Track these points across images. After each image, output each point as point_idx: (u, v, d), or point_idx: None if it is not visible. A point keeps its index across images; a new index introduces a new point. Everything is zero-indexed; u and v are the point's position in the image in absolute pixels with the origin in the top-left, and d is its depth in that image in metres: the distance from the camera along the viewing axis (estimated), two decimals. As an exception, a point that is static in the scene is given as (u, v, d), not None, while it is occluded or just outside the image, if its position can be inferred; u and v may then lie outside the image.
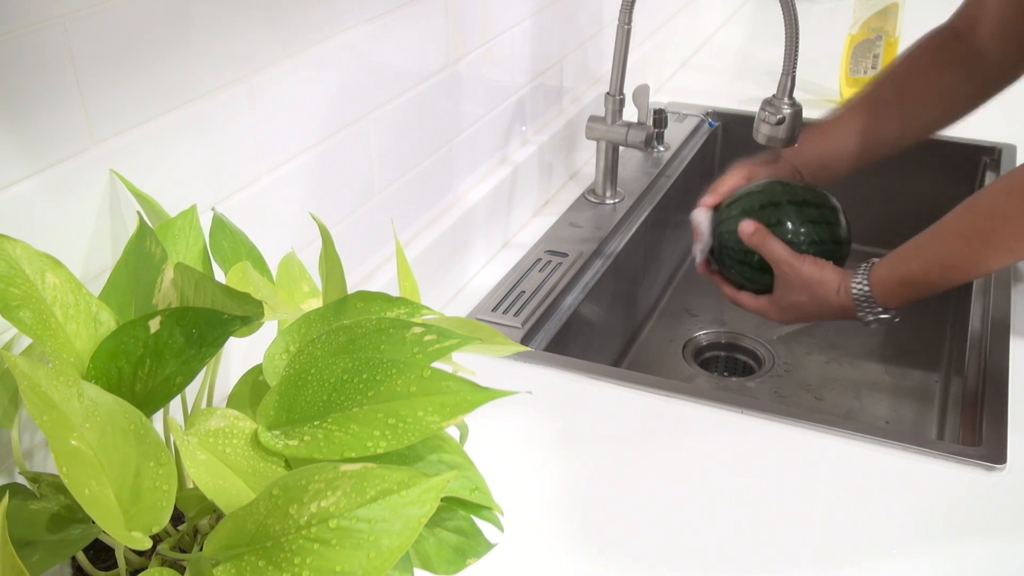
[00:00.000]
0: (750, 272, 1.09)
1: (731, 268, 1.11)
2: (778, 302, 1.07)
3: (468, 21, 1.10)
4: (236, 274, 0.67)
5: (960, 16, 1.11)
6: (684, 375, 1.37)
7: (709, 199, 1.13)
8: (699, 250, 1.14)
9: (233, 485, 0.53)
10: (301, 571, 0.46)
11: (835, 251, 1.07)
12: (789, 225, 1.06)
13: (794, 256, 1.04)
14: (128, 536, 0.49)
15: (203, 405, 0.66)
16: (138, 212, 0.69)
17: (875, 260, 1.01)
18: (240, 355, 0.83)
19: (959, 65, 1.10)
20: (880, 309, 1.00)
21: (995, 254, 0.94)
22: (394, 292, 0.67)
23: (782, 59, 1.13)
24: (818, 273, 1.03)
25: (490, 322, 1.09)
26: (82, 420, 0.50)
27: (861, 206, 1.19)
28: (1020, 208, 0.91)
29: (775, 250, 1.05)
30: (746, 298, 1.11)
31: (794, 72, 1.14)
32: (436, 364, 0.55)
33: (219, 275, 0.70)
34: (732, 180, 1.14)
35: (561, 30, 1.33)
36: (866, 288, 1.00)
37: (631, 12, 1.23)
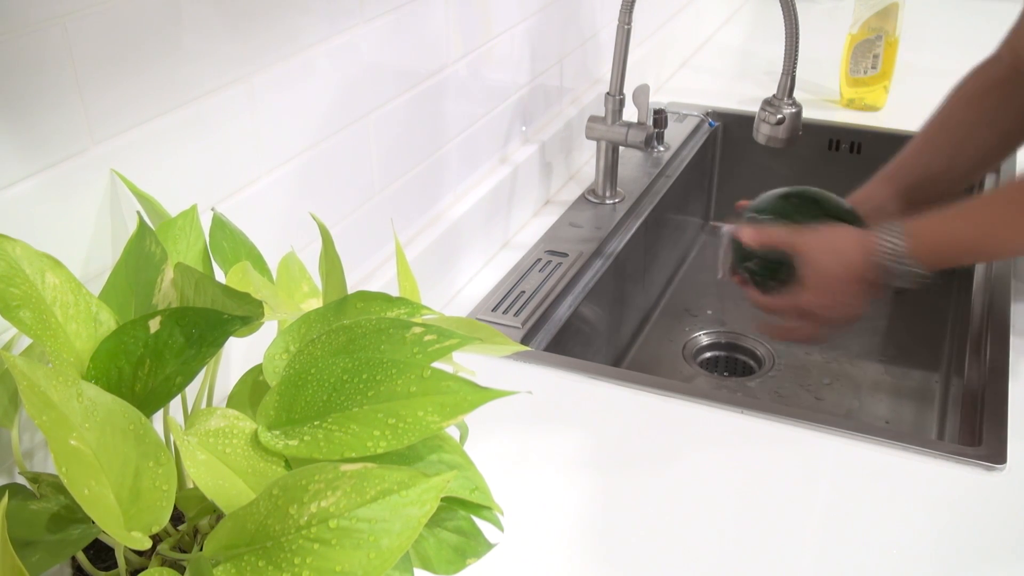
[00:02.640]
0: (768, 270, 1.03)
1: (756, 273, 1.04)
2: (805, 282, 0.98)
3: (468, 21, 1.10)
4: (236, 274, 0.67)
5: (1006, 44, 1.09)
6: (684, 375, 1.37)
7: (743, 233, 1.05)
8: (721, 262, 1.08)
9: (233, 485, 0.53)
10: (301, 571, 0.46)
11: None
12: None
13: (800, 230, 0.98)
14: (128, 536, 0.49)
15: (203, 405, 0.66)
16: (138, 212, 0.69)
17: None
18: (240, 355, 0.83)
19: (1006, 94, 1.07)
20: (911, 262, 0.93)
21: None
22: (394, 292, 0.67)
23: (782, 59, 1.13)
24: (831, 232, 0.97)
25: (490, 322, 1.09)
26: (81, 420, 0.50)
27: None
28: None
29: (779, 235, 0.99)
30: (778, 301, 1.03)
31: (794, 72, 1.14)
32: (436, 364, 0.55)
33: (219, 275, 0.70)
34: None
35: (561, 30, 1.33)
36: (899, 241, 0.93)
37: (631, 12, 1.23)
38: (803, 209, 1.04)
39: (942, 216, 0.95)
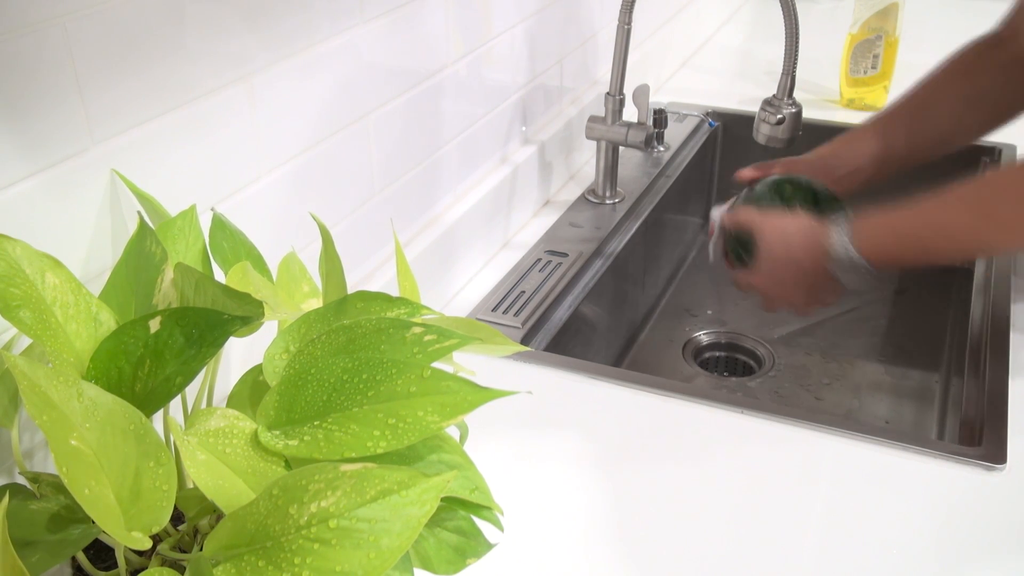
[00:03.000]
0: (739, 247, 1.08)
1: (733, 253, 1.10)
2: (758, 263, 1.03)
3: (468, 21, 1.10)
4: (236, 274, 0.67)
5: (1005, 24, 1.09)
6: (684, 375, 1.37)
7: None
8: (712, 245, 1.12)
9: (233, 485, 0.53)
10: (301, 571, 0.46)
11: None
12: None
13: (766, 213, 1.02)
14: (128, 536, 0.49)
15: (203, 405, 0.66)
16: (138, 212, 0.69)
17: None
18: (240, 355, 0.83)
19: (998, 72, 1.07)
20: (859, 258, 0.94)
21: (996, 230, 0.91)
22: (394, 292, 0.67)
23: (782, 59, 1.13)
24: (791, 218, 1.01)
25: (490, 322, 1.09)
26: (82, 420, 0.50)
27: (859, 206, 1.19)
28: None
29: (747, 215, 1.03)
30: (741, 275, 1.08)
31: (794, 72, 1.14)
32: (436, 364, 0.55)
33: (219, 275, 0.70)
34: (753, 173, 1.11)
35: (561, 30, 1.33)
36: (847, 232, 0.95)
37: (631, 12, 1.23)
38: (783, 192, 1.07)
39: (893, 214, 0.95)
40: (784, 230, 1.01)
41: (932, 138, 1.11)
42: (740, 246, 1.07)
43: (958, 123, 1.11)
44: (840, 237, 0.95)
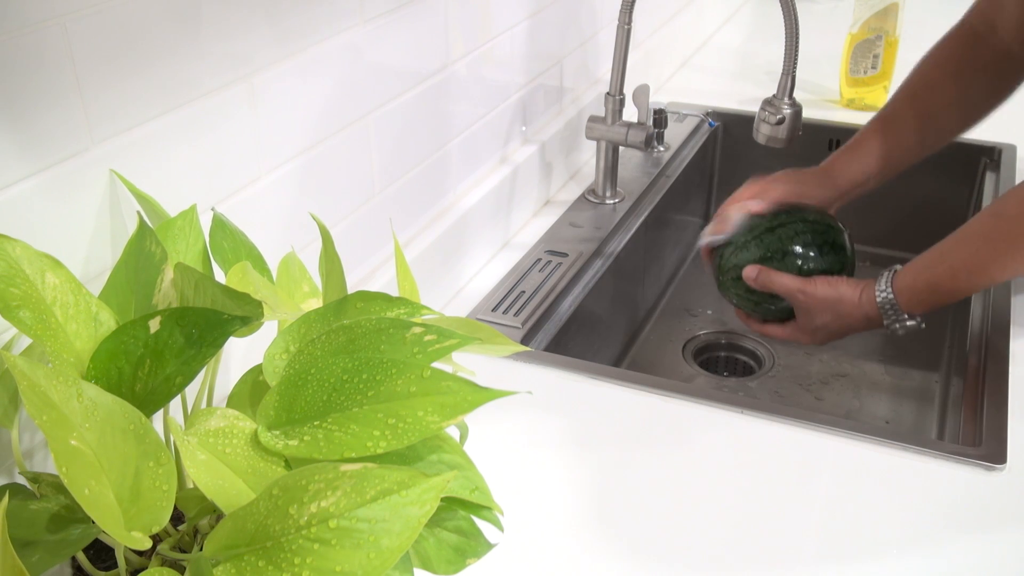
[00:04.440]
0: (770, 307, 1.08)
1: (751, 307, 1.11)
2: (804, 328, 1.07)
3: (468, 21, 1.10)
4: (236, 274, 0.67)
5: (977, 14, 1.10)
6: (684, 375, 1.37)
7: (754, 205, 1.10)
8: (708, 235, 1.12)
9: (233, 485, 0.53)
10: (301, 571, 0.46)
11: (841, 272, 1.07)
12: (799, 252, 1.05)
13: (804, 282, 1.03)
14: (128, 536, 0.49)
15: (203, 405, 0.66)
16: (138, 212, 0.69)
17: (897, 267, 1.00)
18: (240, 355, 0.83)
19: (980, 68, 1.08)
20: (905, 316, 0.99)
21: (1021, 256, 0.93)
22: (394, 292, 0.67)
23: (782, 59, 1.13)
24: (834, 292, 1.03)
25: (490, 322, 1.09)
26: (82, 420, 0.50)
27: (861, 207, 1.19)
28: None
29: (784, 283, 1.04)
30: (774, 329, 1.10)
31: (794, 72, 1.14)
32: (436, 364, 0.55)
33: (219, 275, 0.70)
34: (780, 189, 1.11)
35: (561, 30, 1.33)
36: (891, 296, 0.99)
37: (631, 12, 1.23)
38: (789, 237, 1.06)
39: (922, 262, 0.99)
40: (832, 304, 1.03)
41: (934, 142, 1.12)
42: (768, 302, 1.07)
43: (959, 124, 1.12)
44: (885, 297, 0.99)
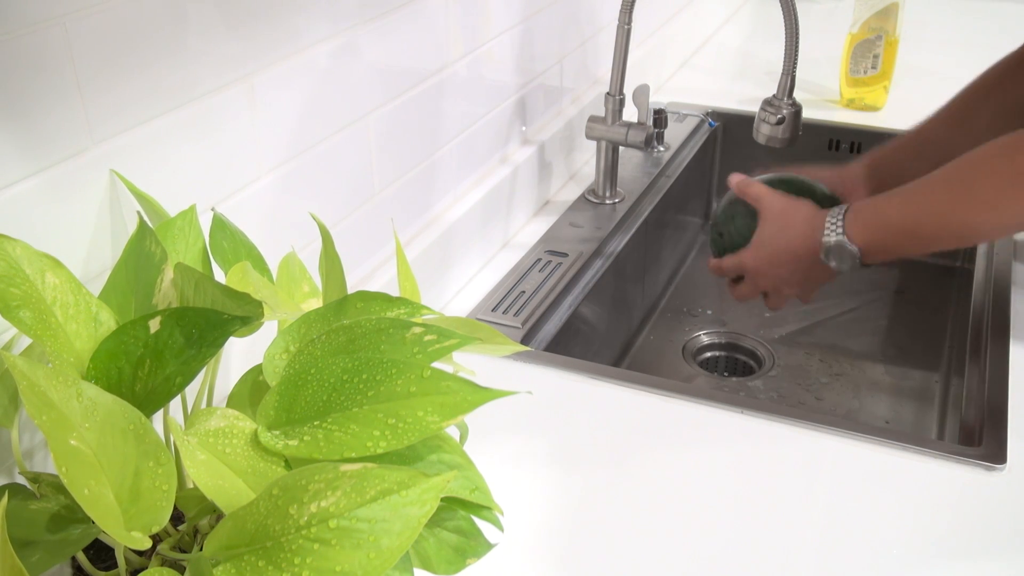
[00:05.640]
0: (738, 222, 1.11)
1: (725, 229, 1.13)
2: (755, 243, 1.07)
3: (468, 21, 1.10)
4: (236, 274, 0.67)
5: None
6: (684, 375, 1.37)
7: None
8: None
9: (233, 485, 0.53)
10: (301, 571, 0.46)
11: None
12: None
13: (774, 192, 1.06)
14: (128, 536, 0.49)
15: (203, 405, 0.66)
16: (138, 212, 0.69)
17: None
18: (240, 355, 0.83)
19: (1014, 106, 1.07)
20: (851, 246, 0.97)
21: (978, 208, 0.91)
22: (394, 292, 0.67)
23: (782, 59, 1.13)
24: (793, 202, 1.05)
25: (490, 322, 1.09)
26: (81, 420, 0.50)
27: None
28: (1008, 165, 0.89)
29: (757, 189, 1.07)
30: (726, 260, 1.11)
31: (794, 72, 1.14)
32: (436, 364, 0.55)
33: (219, 275, 0.70)
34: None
35: (561, 30, 1.33)
36: (841, 220, 0.98)
37: (631, 12, 1.23)
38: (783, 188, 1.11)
39: (882, 201, 0.97)
40: (786, 213, 1.04)
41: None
42: (733, 223, 1.11)
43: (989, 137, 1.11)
44: (834, 224, 0.98)
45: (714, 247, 1.15)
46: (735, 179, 1.10)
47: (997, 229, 0.95)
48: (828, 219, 0.99)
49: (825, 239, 0.99)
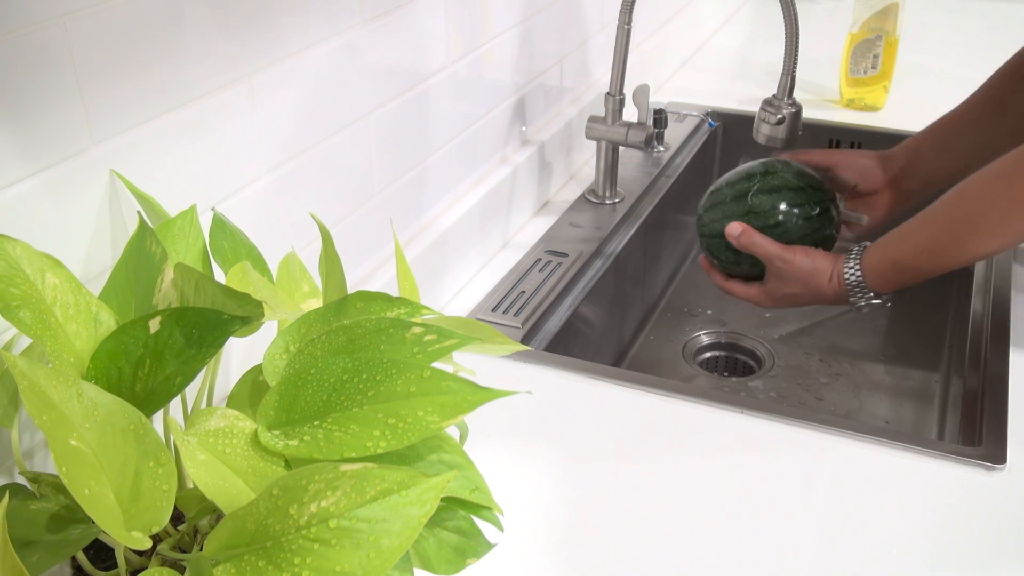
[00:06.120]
0: (745, 266, 1.10)
1: (725, 261, 1.12)
2: (771, 293, 1.08)
3: (468, 21, 1.10)
4: (236, 274, 0.67)
5: None
6: (684, 375, 1.37)
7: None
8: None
9: (233, 485, 0.53)
10: (301, 571, 0.46)
11: (828, 238, 1.09)
12: (782, 208, 1.07)
13: (785, 250, 1.05)
14: (128, 536, 0.49)
15: (203, 405, 0.66)
16: (138, 212, 0.69)
17: (866, 244, 1.02)
18: (240, 355, 0.83)
19: None
20: (872, 294, 1.01)
21: (982, 238, 0.93)
22: (394, 292, 0.67)
23: (782, 59, 1.13)
24: (811, 263, 1.04)
25: (490, 322, 1.09)
26: (82, 420, 0.50)
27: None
28: (1006, 193, 0.91)
29: (765, 248, 1.06)
30: (737, 287, 1.12)
31: (794, 72, 1.14)
32: (436, 364, 0.55)
33: (219, 275, 0.70)
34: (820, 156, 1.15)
35: (561, 30, 1.33)
36: (859, 274, 1.01)
37: (631, 12, 1.23)
38: (766, 194, 1.09)
39: (888, 241, 1.00)
40: (804, 271, 1.05)
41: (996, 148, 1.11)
42: (744, 262, 1.10)
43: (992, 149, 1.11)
44: (853, 275, 1.01)
45: (716, 263, 1.14)
46: (735, 230, 1.08)
47: (1002, 249, 0.97)
48: (846, 274, 1.02)
49: (853, 299, 1.03)
